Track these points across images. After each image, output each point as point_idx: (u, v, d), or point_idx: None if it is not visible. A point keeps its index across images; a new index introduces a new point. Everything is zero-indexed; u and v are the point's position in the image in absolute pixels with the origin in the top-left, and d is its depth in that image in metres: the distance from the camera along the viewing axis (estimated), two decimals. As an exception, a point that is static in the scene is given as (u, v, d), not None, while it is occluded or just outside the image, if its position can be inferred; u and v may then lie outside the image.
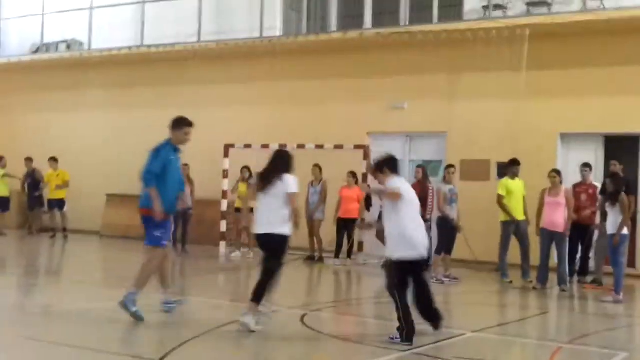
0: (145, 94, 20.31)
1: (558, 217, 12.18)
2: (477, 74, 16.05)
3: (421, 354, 7.41)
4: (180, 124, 8.70)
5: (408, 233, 7.85)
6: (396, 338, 7.74)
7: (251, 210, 15.94)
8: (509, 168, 13.37)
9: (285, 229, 8.18)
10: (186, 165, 16.16)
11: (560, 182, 12.36)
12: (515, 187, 13.10)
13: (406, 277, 7.92)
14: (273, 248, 8.22)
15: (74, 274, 13.06)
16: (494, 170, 15.66)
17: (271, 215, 8.14)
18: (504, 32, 15.46)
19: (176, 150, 8.71)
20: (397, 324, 7.77)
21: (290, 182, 8.23)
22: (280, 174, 8.24)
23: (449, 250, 13.04)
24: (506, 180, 13.19)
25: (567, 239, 12.37)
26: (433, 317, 8.23)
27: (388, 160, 8.23)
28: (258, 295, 8.14)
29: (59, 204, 19.03)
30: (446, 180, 13.15)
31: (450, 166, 13.51)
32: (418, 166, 14.39)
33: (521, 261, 13.06)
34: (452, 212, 12.88)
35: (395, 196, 7.83)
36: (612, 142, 15.31)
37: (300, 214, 8.76)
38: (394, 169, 8.16)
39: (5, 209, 19.87)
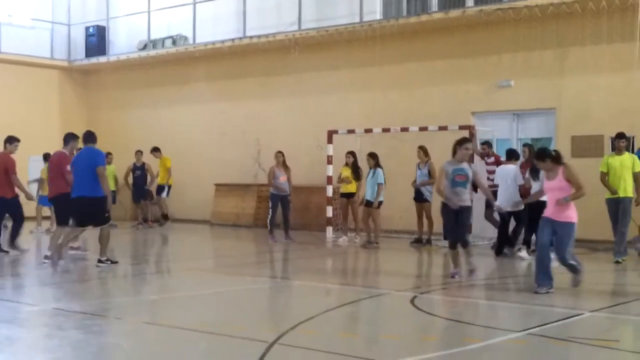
0: (250, 85, 20.64)
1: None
2: (587, 48, 15.48)
3: (537, 334, 7.22)
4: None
5: None
6: None
7: (351, 195, 15.96)
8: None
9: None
10: (280, 152, 16.15)
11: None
12: (618, 163, 12.45)
13: None
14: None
15: (189, 261, 13.38)
16: (608, 146, 15.08)
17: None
18: (614, 1, 14.84)
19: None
20: None
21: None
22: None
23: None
24: (607, 157, 12.67)
25: None
26: None
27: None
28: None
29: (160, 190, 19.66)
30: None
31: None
32: (525, 145, 14.05)
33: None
34: None
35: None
36: None
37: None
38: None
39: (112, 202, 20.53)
